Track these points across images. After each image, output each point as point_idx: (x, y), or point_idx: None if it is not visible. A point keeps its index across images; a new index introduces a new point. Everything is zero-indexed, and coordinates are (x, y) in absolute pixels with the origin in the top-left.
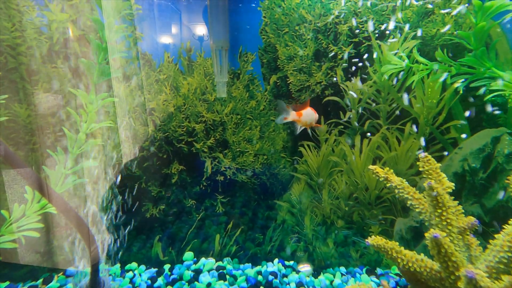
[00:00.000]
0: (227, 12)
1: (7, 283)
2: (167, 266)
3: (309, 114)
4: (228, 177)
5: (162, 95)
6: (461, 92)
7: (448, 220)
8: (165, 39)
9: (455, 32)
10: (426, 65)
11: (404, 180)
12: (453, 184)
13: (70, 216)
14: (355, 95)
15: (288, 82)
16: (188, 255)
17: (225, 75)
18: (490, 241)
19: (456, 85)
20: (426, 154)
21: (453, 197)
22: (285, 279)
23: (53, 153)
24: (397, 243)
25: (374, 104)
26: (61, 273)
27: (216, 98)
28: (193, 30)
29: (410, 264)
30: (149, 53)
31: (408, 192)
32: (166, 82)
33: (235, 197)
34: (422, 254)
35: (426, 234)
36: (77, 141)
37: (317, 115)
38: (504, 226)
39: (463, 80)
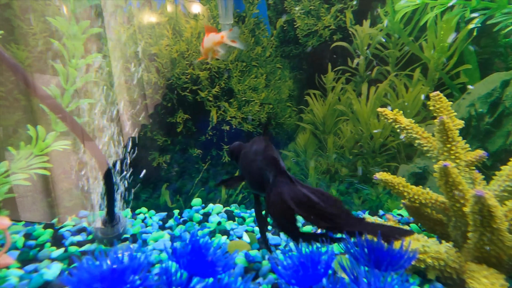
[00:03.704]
0: None
1: (23, 222)
2: (176, 211)
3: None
4: (234, 126)
5: (164, 39)
6: (474, 34)
7: (457, 154)
8: None
9: None
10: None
11: (413, 120)
12: (463, 122)
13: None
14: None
15: (295, 26)
16: (197, 201)
17: (231, 17)
18: (496, 172)
19: (470, 26)
20: (437, 92)
21: None
22: None
23: (46, 89)
24: (404, 179)
25: (383, 50)
26: (74, 215)
27: None
28: None
29: (416, 197)
30: None
31: (417, 132)
32: (168, 25)
33: None
34: (428, 188)
35: (435, 166)
36: (69, 76)
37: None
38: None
39: (477, 20)
